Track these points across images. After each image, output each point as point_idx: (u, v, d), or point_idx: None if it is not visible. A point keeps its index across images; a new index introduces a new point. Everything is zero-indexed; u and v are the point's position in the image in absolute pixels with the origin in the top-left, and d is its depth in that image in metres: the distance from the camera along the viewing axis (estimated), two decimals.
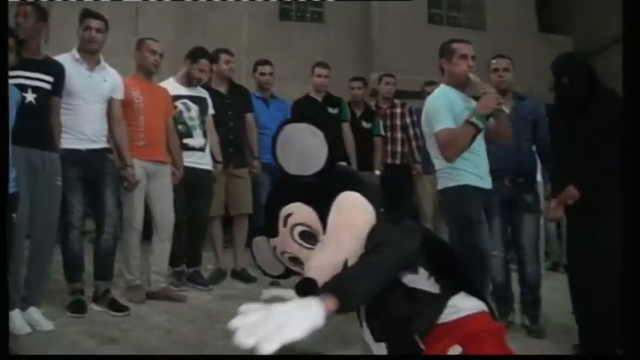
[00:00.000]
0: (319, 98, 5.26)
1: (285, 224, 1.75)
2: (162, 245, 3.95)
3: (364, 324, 1.80)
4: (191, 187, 4.25)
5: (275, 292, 1.93)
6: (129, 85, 3.81)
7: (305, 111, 5.14)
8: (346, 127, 5.24)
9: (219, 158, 4.47)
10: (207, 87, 4.62)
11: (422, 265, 1.77)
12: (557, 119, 3.36)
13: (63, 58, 3.43)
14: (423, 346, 1.75)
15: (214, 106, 4.51)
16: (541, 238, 4.76)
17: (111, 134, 3.64)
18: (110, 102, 3.62)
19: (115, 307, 3.46)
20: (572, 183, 3.14)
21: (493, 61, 3.76)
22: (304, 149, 1.68)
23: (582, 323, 3.15)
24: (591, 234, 3.04)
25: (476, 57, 3.25)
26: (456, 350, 1.70)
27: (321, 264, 1.68)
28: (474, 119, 2.95)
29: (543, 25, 11.80)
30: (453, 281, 1.84)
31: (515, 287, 3.76)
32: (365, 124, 5.41)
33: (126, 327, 3.23)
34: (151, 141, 3.87)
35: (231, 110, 4.67)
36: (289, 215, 1.73)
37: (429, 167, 5.54)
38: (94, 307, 3.48)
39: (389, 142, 5.56)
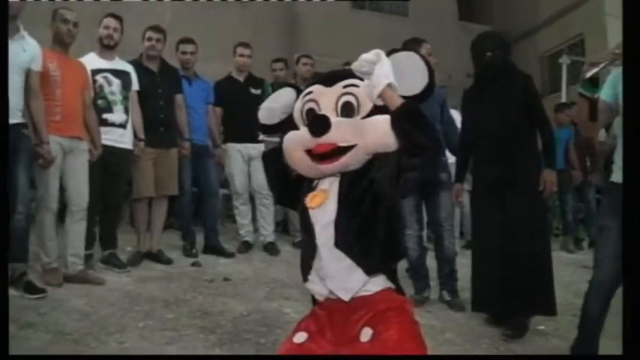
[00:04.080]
0: (241, 79, 5.25)
1: (345, 86, 1.83)
2: (77, 226, 3.84)
3: (319, 228, 1.81)
4: (108, 166, 4.13)
5: None
6: (45, 56, 3.63)
7: (227, 91, 5.12)
8: None
9: (142, 135, 4.35)
10: (137, 63, 4.53)
11: None
12: (473, 99, 3.52)
13: None
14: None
15: (144, 84, 4.41)
16: (456, 217, 4.98)
17: (27, 108, 3.48)
18: (28, 73, 3.45)
19: (32, 290, 3.36)
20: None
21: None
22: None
23: (476, 288, 3.43)
24: (504, 206, 3.27)
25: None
26: (367, 333, 1.79)
27: (346, 126, 1.77)
28: (578, 87, 2.51)
29: (463, 13, 12.17)
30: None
31: (430, 264, 3.93)
32: None
33: (43, 311, 3.14)
34: (68, 116, 3.73)
35: (161, 89, 4.59)
36: (352, 85, 1.82)
37: None
38: (11, 291, 3.33)
39: None
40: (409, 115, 1.70)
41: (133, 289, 3.76)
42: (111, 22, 4.27)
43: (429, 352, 1.78)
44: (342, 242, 1.76)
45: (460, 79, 4.77)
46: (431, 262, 3.97)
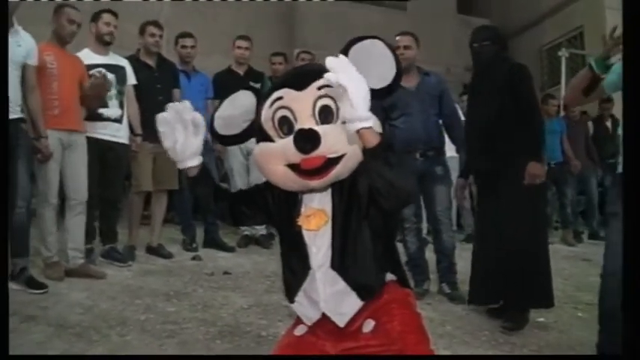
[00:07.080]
0: (241, 72, 5.27)
1: (319, 88, 1.65)
2: (77, 219, 3.84)
3: (315, 249, 1.73)
4: (105, 161, 4.14)
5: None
6: (42, 50, 3.62)
7: (226, 84, 5.12)
8: None
9: (139, 131, 4.34)
10: (135, 59, 4.54)
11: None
12: (470, 92, 3.53)
13: None
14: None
15: (142, 80, 4.41)
16: (454, 209, 4.99)
17: (24, 103, 3.47)
18: (24, 68, 3.45)
19: (33, 284, 3.36)
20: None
21: (397, 38, 3.87)
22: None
23: (474, 282, 3.42)
24: (498, 199, 3.26)
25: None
26: (369, 324, 1.78)
27: (333, 136, 1.62)
28: (591, 60, 2.51)
29: (462, 7, 12.13)
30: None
31: (429, 257, 3.94)
32: None
33: (45, 304, 3.15)
34: (66, 109, 3.72)
35: (160, 84, 4.58)
36: (327, 86, 1.60)
37: None
38: (12, 285, 3.32)
39: None
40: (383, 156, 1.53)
41: (133, 282, 3.77)
42: (111, 18, 4.25)
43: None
44: (338, 264, 1.69)
45: (459, 72, 4.72)
46: (430, 254, 3.98)
